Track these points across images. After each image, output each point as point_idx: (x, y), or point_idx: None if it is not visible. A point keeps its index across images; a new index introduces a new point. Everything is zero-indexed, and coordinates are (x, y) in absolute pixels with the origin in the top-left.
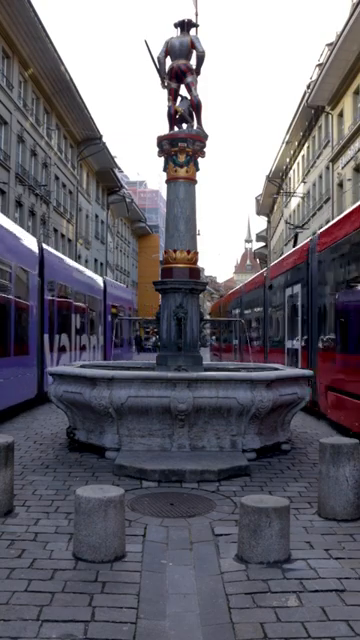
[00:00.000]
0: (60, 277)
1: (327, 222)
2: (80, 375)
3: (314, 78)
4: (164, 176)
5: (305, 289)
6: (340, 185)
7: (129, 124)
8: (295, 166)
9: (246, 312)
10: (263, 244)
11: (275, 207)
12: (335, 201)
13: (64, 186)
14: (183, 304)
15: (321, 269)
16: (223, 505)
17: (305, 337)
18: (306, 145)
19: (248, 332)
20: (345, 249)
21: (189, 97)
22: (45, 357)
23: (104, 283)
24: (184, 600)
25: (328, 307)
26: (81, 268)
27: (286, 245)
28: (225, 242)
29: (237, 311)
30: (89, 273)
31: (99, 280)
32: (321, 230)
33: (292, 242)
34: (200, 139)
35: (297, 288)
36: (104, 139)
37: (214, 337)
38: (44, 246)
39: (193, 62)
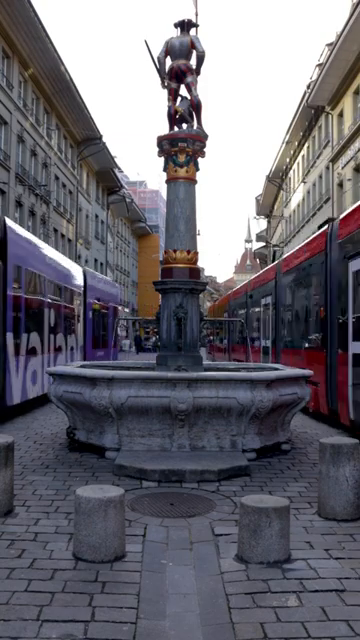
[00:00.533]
0: (30, 263)
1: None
2: (80, 375)
3: (314, 78)
4: (164, 176)
5: (273, 299)
6: (340, 185)
7: (129, 124)
8: (295, 166)
9: (233, 315)
10: (263, 244)
11: (275, 207)
12: (335, 201)
13: (64, 186)
14: (183, 304)
15: (283, 285)
16: (223, 505)
17: (273, 337)
18: (306, 145)
19: (234, 333)
20: (295, 274)
21: (189, 97)
22: (8, 361)
23: (84, 275)
24: (184, 600)
25: (288, 314)
26: (57, 254)
27: (286, 245)
28: (225, 242)
29: (225, 315)
30: (67, 262)
31: (79, 271)
32: (282, 258)
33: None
34: (200, 139)
35: (268, 299)
36: (104, 139)
37: (210, 337)
38: (8, 222)
39: (193, 62)
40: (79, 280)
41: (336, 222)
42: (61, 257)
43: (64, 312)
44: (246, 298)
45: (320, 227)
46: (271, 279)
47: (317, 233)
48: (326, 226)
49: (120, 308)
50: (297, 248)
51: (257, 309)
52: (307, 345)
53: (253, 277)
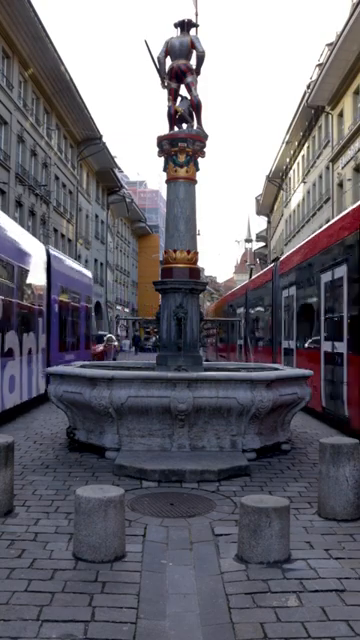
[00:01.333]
0: None
1: (327, 221)
2: (80, 375)
3: (314, 78)
4: (164, 176)
5: (244, 310)
6: (340, 185)
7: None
8: (295, 166)
9: (232, 316)
10: (263, 244)
11: (275, 207)
12: (335, 201)
13: (64, 186)
14: (183, 304)
15: (250, 300)
16: (223, 505)
17: (244, 338)
18: (306, 145)
19: (232, 333)
20: (256, 293)
21: (189, 97)
22: None
23: (48, 256)
24: (184, 600)
25: (253, 322)
26: (8, 221)
27: (286, 245)
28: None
29: (223, 316)
30: (24, 235)
31: (39, 249)
32: (280, 259)
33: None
34: (200, 139)
35: (242, 309)
36: (104, 139)
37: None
38: None
39: (193, 62)
40: (40, 261)
41: (279, 262)
42: (13, 225)
43: (17, 303)
44: (227, 307)
45: (274, 260)
46: (242, 295)
47: (269, 267)
48: (273, 264)
49: (89, 306)
50: (258, 275)
51: (234, 317)
52: (263, 343)
53: (230, 292)
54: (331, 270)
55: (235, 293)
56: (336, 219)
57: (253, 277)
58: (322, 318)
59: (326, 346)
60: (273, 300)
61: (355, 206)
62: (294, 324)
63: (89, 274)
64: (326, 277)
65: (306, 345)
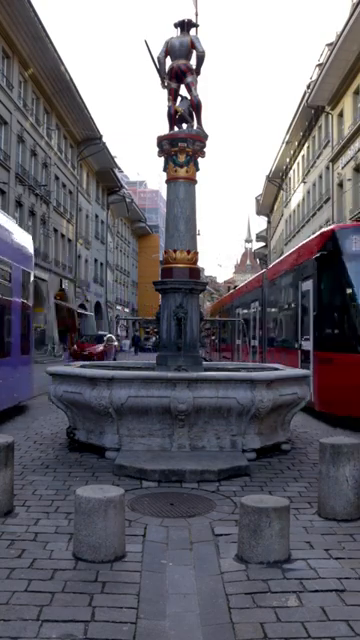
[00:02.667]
0: None
1: (327, 222)
2: (80, 375)
3: (314, 78)
4: (164, 176)
5: (260, 304)
6: (340, 185)
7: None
8: (295, 166)
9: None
10: (263, 244)
11: (275, 207)
12: (335, 201)
13: (64, 186)
14: (183, 304)
15: (237, 304)
16: (223, 505)
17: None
18: (306, 145)
19: (226, 333)
20: (245, 298)
21: (189, 97)
22: None
23: None
24: (184, 600)
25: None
26: None
27: (286, 245)
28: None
29: (218, 317)
30: None
31: None
32: (268, 268)
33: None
34: (200, 139)
35: (256, 304)
36: (104, 139)
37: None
38: None
39: (193, 62)
40: None
41: (266, 270)
42: None
43: None
44: (221, 310)
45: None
46: (229, 302)
47: (259, 273)
48: (263, 270)
49: (26, 287)
50: (246, 282)
51: (226, 319)
52: (253, 342)
53: (220, 299)
54: (295, 286)
55: (232, 295)
56: (297, 247)
57: (245, 282)
58: (299, 323)
59: (301, 345)
60: (262, 305)
61: (320, 232)
62: (277, 325)
63: (26, 238)
64: (287, 294)
65: (288, 344)
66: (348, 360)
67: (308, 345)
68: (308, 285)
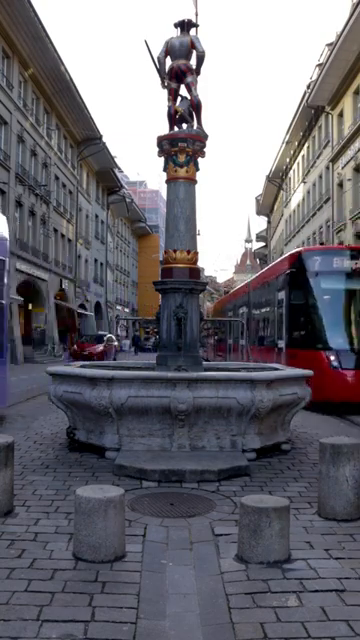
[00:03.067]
0: None
1: (327, 222)
2: (80, 375)
3: (314, 78)
4: (164, 176)
5: (247, 309)
6: (340, 185)
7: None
8: (295, 166)
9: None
10: (263, 244)
11: (275, 207)
12: (335, 201)
13: (64, 186)
14: (183, 304)
15: (227, 310)
16: (223, 505)
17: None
18: (306, 145)
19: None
20: (234, 304)
21: (189, 97)
22: None
23: None
24: (184, 600)
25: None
26: None
27: (286, 245)
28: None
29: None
30: None
31: None
32: (252, 278)
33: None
34: (200, 139)
35: (243, 309)
36: (104, 139)
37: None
38: None
39: (193, 62)
40: None
41: (251, 281)
42: None
43: None
44: (215, 313)
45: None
46: (220, 308)
47: (244, 283)
48: (249, 279)
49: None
50: (235, 290)
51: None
52: (242, 342)
53: (216, 301)
54: (272, 295)
55: (223, 301)
56: (275, 262)
57: (234, 290)
58: (276, 326)
59: (277, 343)
60: (248, 309)
61: (287, 254)
62: (260, 328)
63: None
64: (267, 302)
65: (268, 343)
66: (307, 355)
67: (282, 344)
68: (282, 295)
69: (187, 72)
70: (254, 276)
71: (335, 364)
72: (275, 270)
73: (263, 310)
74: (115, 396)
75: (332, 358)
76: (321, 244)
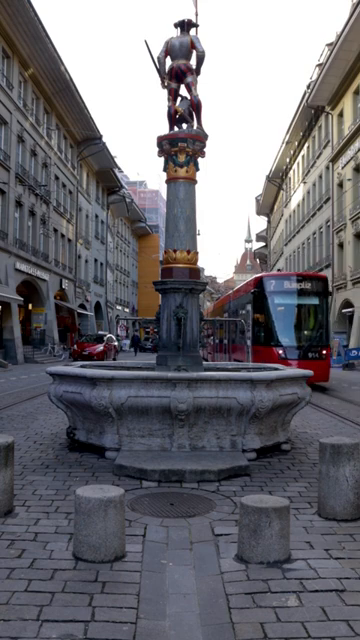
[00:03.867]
0: None
1: (327, 222)
2: (80, 375)
3: (314, 78)
4: (164, 176)
5: (228, 315)
6: (340, 185)
7: (129, 124)
8: (295, 166)
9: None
10: (263, 244)
11: (275, 207)
12: (335, 201)
13: (64, 186)
14: (183, 304)
15: (232, 307)
16: (223, 505)
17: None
18: (306, 145)
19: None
20: (235, 303)
21: (189, 97)
22: None
23: None
24: (184, 600)
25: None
26: None
27: (286, 245)
28: (225, 242)
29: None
30: None
31: None
32: (232, 291)
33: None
34: (200, 139)
35: (226, 315)
36: (104, 139)
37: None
38: None
39: (193, 62)
40: None
41: (231, 293)
42: None
43: None
44: (206, 317)
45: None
46: (211, 311)
47: (227, 294)
48: (229, 292)
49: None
50: (221, 298)
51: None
52: (225, 341)
53: (212, 304)
54: (243, 306)
55: (214, 305)
56: (245, 282)
57: (220, 298)
58: (245, 329)
59: (247, 342)
60: (229, 315)
61: (252, 278)
62: (237, 331)
63: None
64: (240, 311)
65: (243, 342)
66: (265, 350)
67: (249, 342)
68: (249, 307)
69: (187, 72)
70: (232, 290)
71: (282, 356)
72: (245, 289)
73: (238, 317)
74: (115, 396)
75: (280, 352)
76: (278, 270)
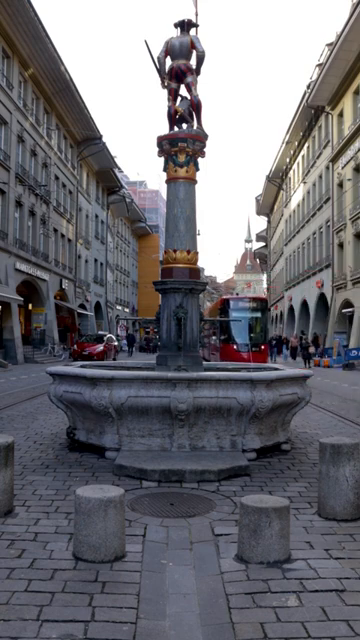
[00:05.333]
0: None
1: (327, 222)
2: (80, 375)
3: (314, 78)
4: (164, 176)
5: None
6: (340, 185)
7: (129, 124)
8: (295, 166)
9: None
10: (263, 244)
11: (275, 207)
12: (335, 201)
13: (64, 186)
14: (183, 304)
15: (219, 314)
16: (223, 505)
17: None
18: (306, 145)
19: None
20: (212, 313)
21: (189, 97)
22: None
23: None
24: (184, 600)
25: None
26: None
27: (286, 245)
28: (225, 242)
29: None
30: None
31: None
32: (211, 304)
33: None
34: (200, 139)
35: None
36: (104, 139)
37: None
38: None
39: (193, 62)
40: None
41: (207, 309)
42: None
43: None
44: None
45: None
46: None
47: (216, 301)
48: (208, 305)
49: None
50: (208, 307)
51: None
52: (207, 341)
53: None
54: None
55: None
56: (216, 301)
57: (208, 307)
58: (218, 332)
59: (217, 342)
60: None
61: (219, 299)
62: (212, 333)
63: None
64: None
65: (216, 342)
66: (227, 346)
67: (219, 342)
68: (218, 318)
69: (187, 72)
70: (210, 304)
71: (237, 349)
72: (215, 306)
73: (213, 324)
74: (115, 396)
75: (235, 347)
76: (236, 294)
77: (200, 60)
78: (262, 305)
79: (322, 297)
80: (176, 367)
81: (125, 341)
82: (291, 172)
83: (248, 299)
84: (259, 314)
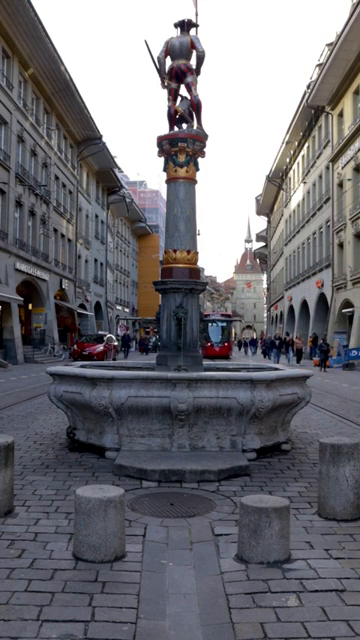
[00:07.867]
0: None
1: (327, 222)
2: (80, 375)
3: (314, 78)
4: (164, 176)
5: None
6: (340, 185)
7: (129, 124)
8: (295, 166)
9: None
10: (263, 244)
11: (275, 207)
12: (335, 201)
13: (64, 186)
14: (183, 304)
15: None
16: (223, 505)
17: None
18: (306, 145)
19: None
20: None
21: (189, 97)
22: None
23: None
24: (184, 600)
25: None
26: None
27: (286, 245)
28: (225, 242)
29: None
30: None
31: None
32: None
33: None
34: (200, 139)
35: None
36: (104, 139)
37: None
38: None
39: (193, 62)
40: None
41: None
42: None
43: None
44: None
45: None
46: None
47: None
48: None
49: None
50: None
51: (224, 320)
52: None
53: None
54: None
55: None
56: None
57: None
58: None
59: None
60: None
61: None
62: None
63: None
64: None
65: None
66: (208, 347)
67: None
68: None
69: (187, 72)
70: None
71: (211, 345)
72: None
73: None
74: (115, 396)
75: (209, 344)
76: (207, 315)
77: (200, 60)
78: (227, 318)
79: (322, 297)
80: (176, 367)
81: None
82: (291, 172)
83: (218, 314)
84: (225, 324)
